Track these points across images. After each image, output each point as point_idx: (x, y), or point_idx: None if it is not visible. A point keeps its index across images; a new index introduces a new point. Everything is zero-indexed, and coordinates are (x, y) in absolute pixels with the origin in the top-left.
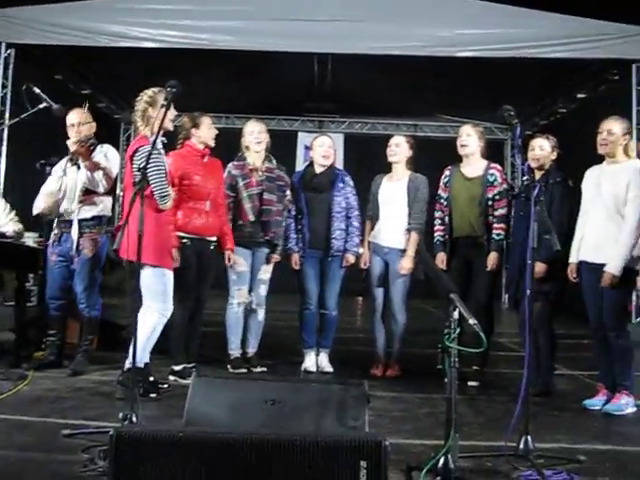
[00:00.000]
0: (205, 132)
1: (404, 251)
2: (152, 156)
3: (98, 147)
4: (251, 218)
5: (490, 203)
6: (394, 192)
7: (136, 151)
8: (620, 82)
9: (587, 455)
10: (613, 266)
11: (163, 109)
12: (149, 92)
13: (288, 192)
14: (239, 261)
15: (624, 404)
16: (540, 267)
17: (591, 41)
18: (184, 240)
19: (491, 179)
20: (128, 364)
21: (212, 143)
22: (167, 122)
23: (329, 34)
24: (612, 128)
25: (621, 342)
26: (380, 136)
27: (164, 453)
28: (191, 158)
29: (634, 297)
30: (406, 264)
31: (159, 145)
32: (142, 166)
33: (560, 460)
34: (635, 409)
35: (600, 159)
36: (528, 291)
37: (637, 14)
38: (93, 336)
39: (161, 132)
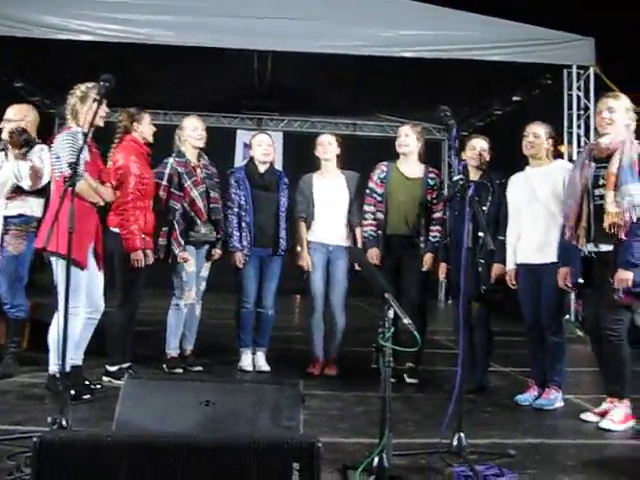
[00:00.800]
0: (146, 128)
1: (348, 248)
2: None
3: (37, 146)
4: (205, 217)
5: (428, 205)
6: (333, 190)
7: (55, 138)
8: (552, 86)
9: (518, 449)
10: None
11: (94, 104)
12: (82, 87)
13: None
14: (191, 261)
15: (553, 399)
16: (499, 269)
17: (525, 46)
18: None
19: (432, 182)
20: (52, 368)
21: (151, 139)
22: (98, 118)
23: (270, 32)
24: (537, 131)
25: (556, 339)
26: (319, 135)
27: (91, 459)
28: (138, 155)
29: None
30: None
31: (83, 138)
32: (72, 162)
33: (492, 455)
34: (563, 403)
35: (527, 162)
36: (463, 290)
37: (569, 21)
38: (19, 338)
39: (92, 128)
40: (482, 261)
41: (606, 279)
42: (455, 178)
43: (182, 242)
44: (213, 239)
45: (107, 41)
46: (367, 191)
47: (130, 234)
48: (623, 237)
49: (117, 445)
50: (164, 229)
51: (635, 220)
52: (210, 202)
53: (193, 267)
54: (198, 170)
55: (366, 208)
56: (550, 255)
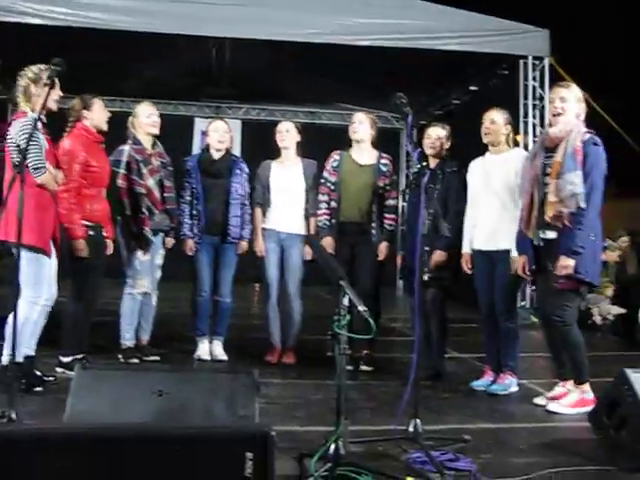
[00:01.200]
0: (97, 115)
1: (302, 236)
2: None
3: None
4: (161, 207)
5: (381, 192)
6: (289, 177)
7: (10, 125)
8: (509, 77)
9: (473, 434)
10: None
11: (46, 87)
12: (33, 68)
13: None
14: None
15: (508, 384)
16: (439, 255)
17: (481, 36)
18: (89, 229)
19: (384, 169)
20: (4, 359)
21: (105, 127)
22: (51, 102)
23: (228, 18)
24: (494, 117)
25: (509, 325)
26: (278, 122)
27: (39, 451)
28: (88, 142)
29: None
30: (309, 249)
31: (38, 124)
32: (23, 147)
33: (447, 441)
34: (517, 388)
35: (487, 149)
36: (417, 277)
37: (525, 13)
38: None
39: (44, 111)
40: (427, 248)
41: (550, 265)
42: (417, 166)
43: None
44: (167, 228)
45: (57, 25)
46: (321, 180)
47: (70, 223)
48: (567, 224)
49: (67, 438)
50: (138, 216)
51: (576, 209)
52: (164, 191)
53: (148, 256)
54: (153, 159)
55: (320, 197)
56: (502, 242)
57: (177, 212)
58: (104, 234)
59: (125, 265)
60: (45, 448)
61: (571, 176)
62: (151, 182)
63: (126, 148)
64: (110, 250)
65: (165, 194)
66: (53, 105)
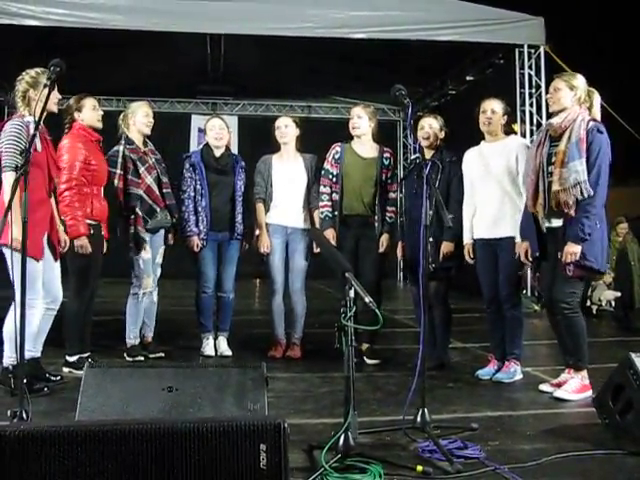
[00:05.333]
0: (88, 114)
1: (306, 230)
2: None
3: None
4: (162, 204)
5: (383, 185)
6: (291, 172)
7: (3, 126)
8: (505, 66)
9: (480, 422)
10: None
11: (46, 90)
12: (32, 72)
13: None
14: (148, 248)
15: (513, 372)
16: (447, 246)
17: (476, 25)
18: (90, 227)
19: (386, 162)
20: (6, 361)
21: (98, 125)
22: (51, 104)
23: (221, 15)
24: (495, 107)
25: (514, 313)
26: (274, 118)
27: (53, 449)
28: (87, 141)
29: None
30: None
31: (31, 127)
32: (25, 148)
33: (455, 429)
34: (522, 376)
35: (482, 139)
36: (422, 268)
37: (520, 1)
38: None
39: (44, 113)
40: (431, 239)
41: (557, 253)
42: (412, 157)
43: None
44: (169, 224)
45: (53, 26)
46: (322, 172)
47: (73, 220)
48: (572, 214)
49: (80, 434)
50: (132, 217)
51: (581, 196)
52: (162, 187)
53: (149, 254)
54: (148, 157)
55: (322, 189)
56: (505, 230)
57: (176, 208)
58: (102, 233)
59: (131, 265)
60: (59, 444)
61: (575, 164)
62: (150, 180)
63: (120, 148)
64: (104, 249)
65: (163, 190)
66: (53, 107)
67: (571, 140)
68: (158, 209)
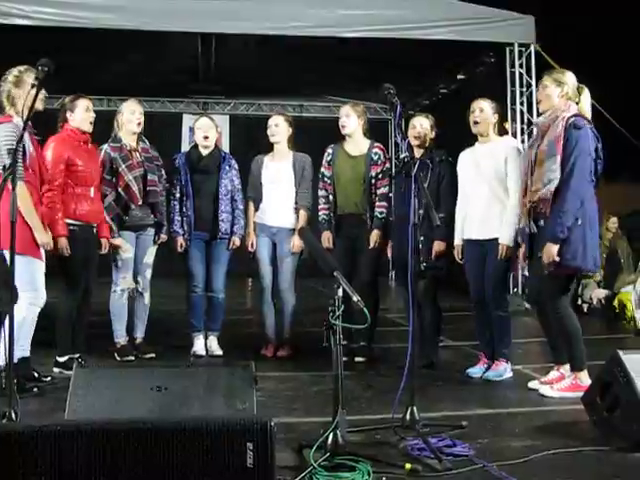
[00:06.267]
0: (79, 115)
1: (293, 230)
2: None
3: None
4: (140, 201)
5: (373, 181)
6: (279, 172)
7: None
8: (496, 64)
9: (469, 420)
10: (506, 238)
11: (31, 89)
12: (14, 71)
13: (163, 172)
14: (125, 247)
15: (502, 370)
16: (439, 245)
17: (466, 24)
18: (72, 228)
19: (375, 157)
20: None
21: (87, 128)
22: (37, 102)
23: (212, 13)
24: (482, 106)
25: (500, 313)
26: (266, 117)
27: (43, 448)
28: (72, 143)
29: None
30: (298, 242)
31: (20, 125)
32: (13, 148)
33: (444, 427)
34: (511, 374)
35: (475, 139)
36: (411, 267)
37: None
38: None
39: (32, 113)
40: (422, 238)
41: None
42: (402, 156)
43: (115, 228)
44: (150, 222)
45: (43, 25)
46: (320, 176)
47: (53, 221)
48: (547, 212)
49: (68, 433)
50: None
51: (552, 195)
52: (147, 185)
53: (130, 253)
54: (135, 154)
55: (319, 192)
56: (492, 231)
57: (161, 207)
58: (94, 233)
59: (113, 263)
60: (46, 445)
61: (549, 163)
62: (129, 177)
63: (104, 147)
64: (105, 249)
65: (148, 188)
66: (40, 105)
67: (549, 138)
68: (133, 206)
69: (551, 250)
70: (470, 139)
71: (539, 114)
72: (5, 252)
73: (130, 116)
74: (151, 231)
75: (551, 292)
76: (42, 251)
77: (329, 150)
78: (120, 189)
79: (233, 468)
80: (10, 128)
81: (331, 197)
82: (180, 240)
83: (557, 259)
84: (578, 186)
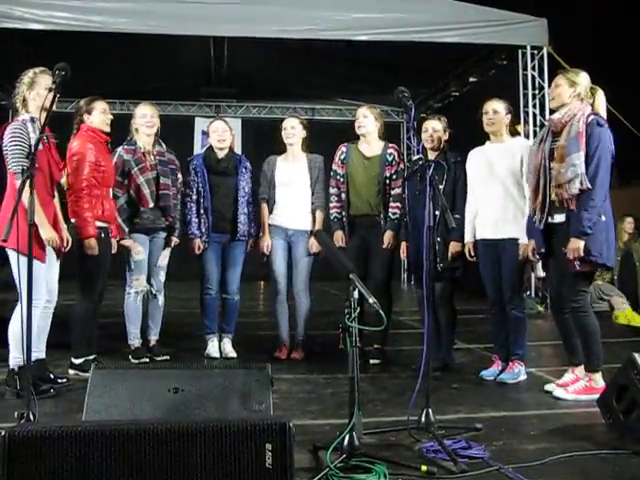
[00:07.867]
0: (97, 117)
1: (309, 232)
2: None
3: None
4: (151, 204)
5: (387, 182)
6: (294, 173)
7: (5, 130)
8: (508, 67)
9: (484, 422)
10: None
11: (48, 92)
12: (29, 73)
13: (179, 175)
14: (138, 249)
15: (517, 372)
16: (455, 246)
17: (479, 27)
18: (99, 229)
19: (389, 158)
20: (12, 363)
21: (106, 129)
22: (48, 105)
23: (224, 17)
24: (496, 107)
25: (517, 314)
26: (278, 120)
27: (61, 449)
28: (97, 144)
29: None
30: (315, 243)
31: (28, 125)
32: (29, 152)
33: (459, 430)
34: (526, 376)
35: (486, 140)
36: (426, 269)
37: (523, 3)
38: None
39: (48, 116)
40: (439, 239)
41: (562, 250)
42: (414, 158)
43: (125, 229)
44: (162, 225)
45: (57, 29)
46: (331, 174)
47: (83, 221)
48: (573, 207)
49: (86, 434)
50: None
51: (579, 190)
52: (160, 189)
53: (142, 255)
54: (149, 157)
55: (331, 190)
56: (507, 231)
57: (172, 210)
58: (110, 234)
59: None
60: (67, 445)
61: (572, 158)
62: (141, 180)
63: (119, 149)
64: (114, 249)
65: (160, 191)
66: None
67: (570, 134)
68: (142, 208)
69: (577, 245)
70: (480, 141)
71: (551, 114)
72: (9, 251)
73: (141, 119)
74: (164, 234)
75: (576, 290)
76: (51, 252)
77: (343, 148)
78: (131, 191)
79: (252, 469)
80: (17, 126)
81: (343, 195)
82: (198, 242)
83: (582, 254)
84: (604, 181)
